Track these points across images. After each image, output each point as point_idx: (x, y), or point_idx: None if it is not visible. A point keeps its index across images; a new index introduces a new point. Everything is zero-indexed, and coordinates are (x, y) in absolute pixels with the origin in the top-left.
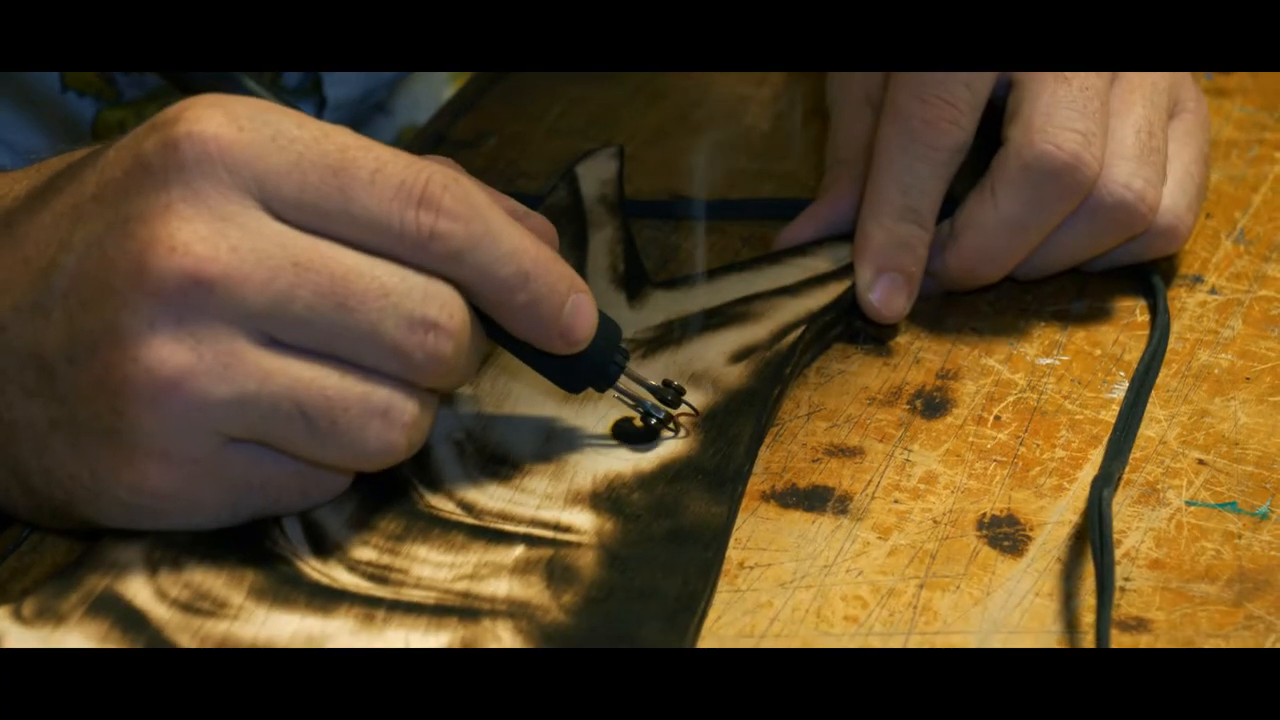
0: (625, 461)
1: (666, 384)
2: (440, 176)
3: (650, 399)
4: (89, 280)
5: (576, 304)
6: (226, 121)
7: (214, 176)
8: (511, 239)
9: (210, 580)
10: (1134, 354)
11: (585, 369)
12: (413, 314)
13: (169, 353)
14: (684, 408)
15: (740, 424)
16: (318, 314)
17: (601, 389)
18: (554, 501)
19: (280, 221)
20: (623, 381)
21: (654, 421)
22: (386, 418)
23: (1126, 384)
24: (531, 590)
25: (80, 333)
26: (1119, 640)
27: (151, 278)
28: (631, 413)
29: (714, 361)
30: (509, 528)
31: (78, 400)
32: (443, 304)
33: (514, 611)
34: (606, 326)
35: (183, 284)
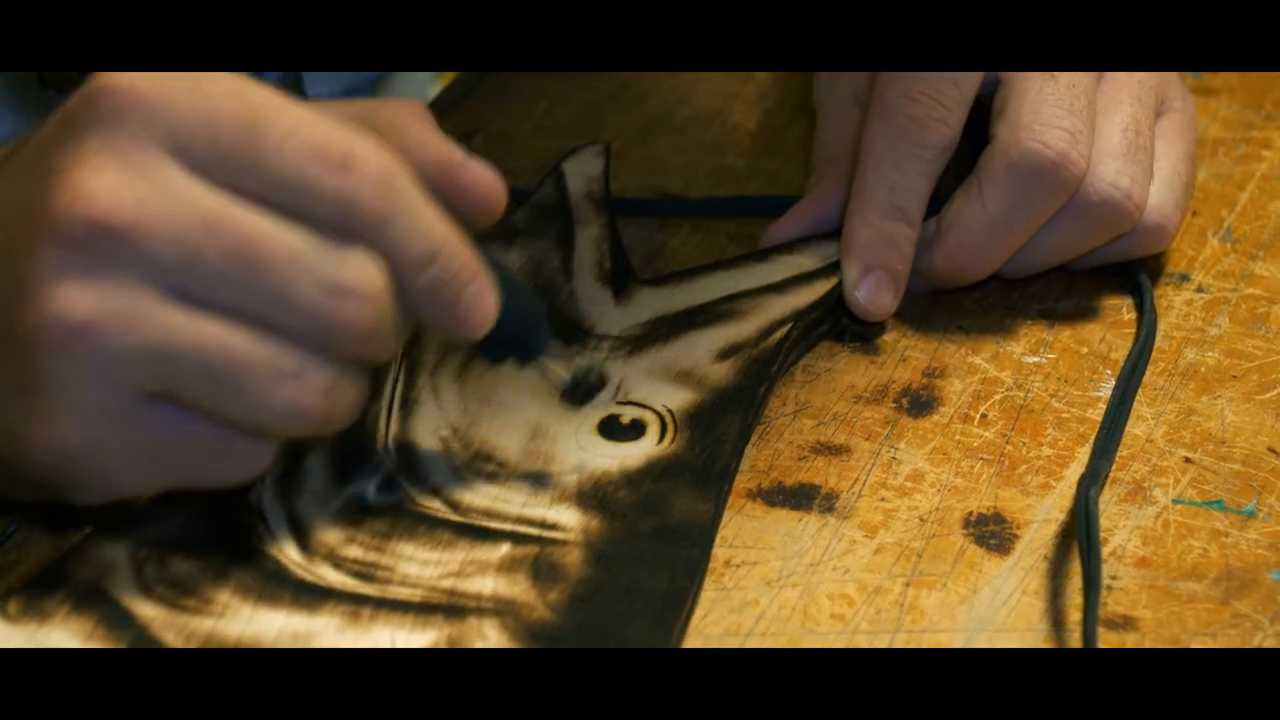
0: (611, 459)
1: (594, 370)
2: (363, 144)
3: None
4: (8, 234)
5: (478, 291)
6: (144, 76)
7: (127, 128)
8: (426, 216)
9: (195, 578)
10: (1121, 352)
11: (513, 339)
12: (326, 279)
13: (74, 299)
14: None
15: (727, 422)
16: (226, 275)
17: (524, 362)
18: (540, 499)
19: (194, 178)
20: (546, 364)
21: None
22: (299, 381)
23: (1113, 382)
24: (517, 588)
25: (0, 288)
26: (1106, 639)
27: (58, 225)
28: (619, 410)
29: (700, 359)
30: (495, 525)
31: None
32: (359, 270)
33: (500, 609)
34: (521, 311)
35: (88, 231)
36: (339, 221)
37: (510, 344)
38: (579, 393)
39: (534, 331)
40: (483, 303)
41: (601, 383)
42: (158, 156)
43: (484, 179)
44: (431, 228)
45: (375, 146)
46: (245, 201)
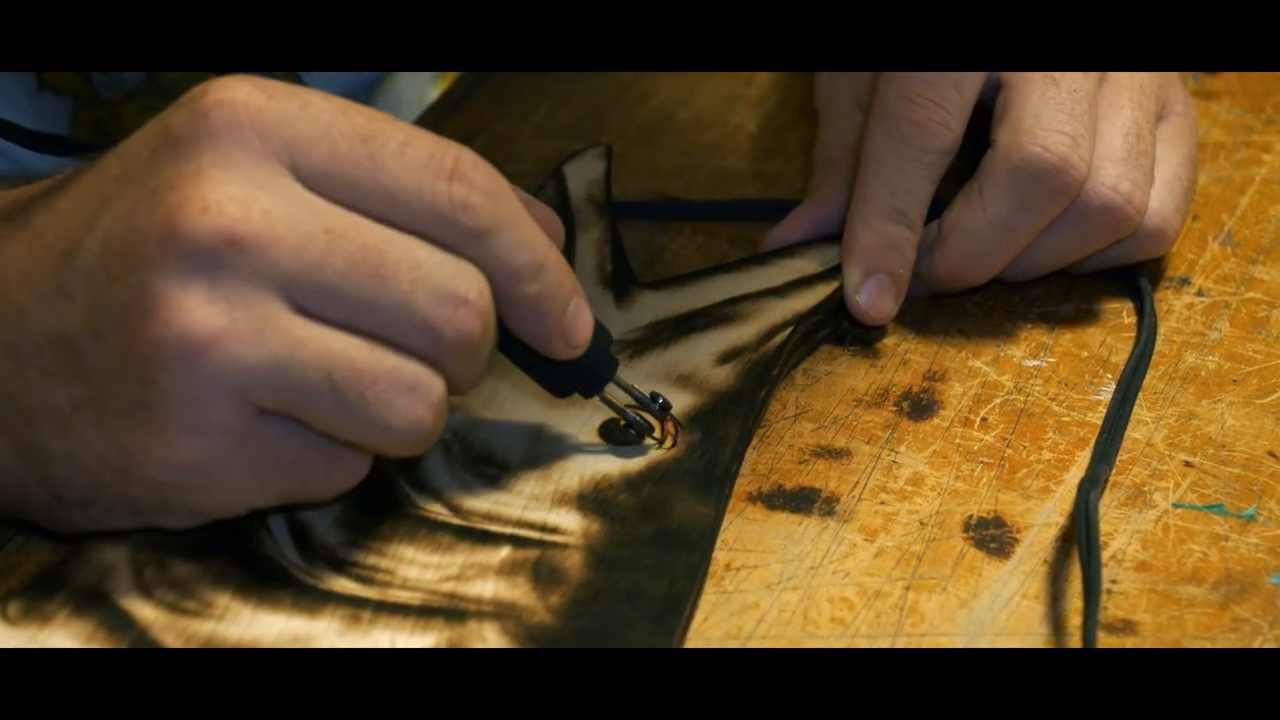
0: (612, 463)
1: (653, 396)
2: (470, 154)
3: (634, 410)
4: (116, 253)
5: (578, 307)
6: (255, 90)
7: (244, 143)
8: (531, 227)
9: (196, 580)
10: (1121, 356)
11: (575, 374)
12: (443, 288)
13: (202, 315)
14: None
15: (727, 425)
16: (350, 282)
17: (588, 395)
18: (540, 502)
19: (310, 191)
20: (609, 390)
21: (634, 432)
22: (414, 393)
23: (1113, 386)
24: (518, 591)
25: (107, 306)
26: (1105, 642)
27: (184, 238)
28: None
29: (701, 363)
30: (495, 528)
31: (104, 376)
32: (471, 280)
33: (500, 613)
34: (599, 333)
35: (216, 244)
36: (452, 231)
37: (578, 375)
38: (642, 425)
39: (602, 363)
40: (584, 319)
41: (667, 406)
42: (276, 170)
43: (547, 217)
44: (536, 240)
45: (479, 158)
46: (361, 214)
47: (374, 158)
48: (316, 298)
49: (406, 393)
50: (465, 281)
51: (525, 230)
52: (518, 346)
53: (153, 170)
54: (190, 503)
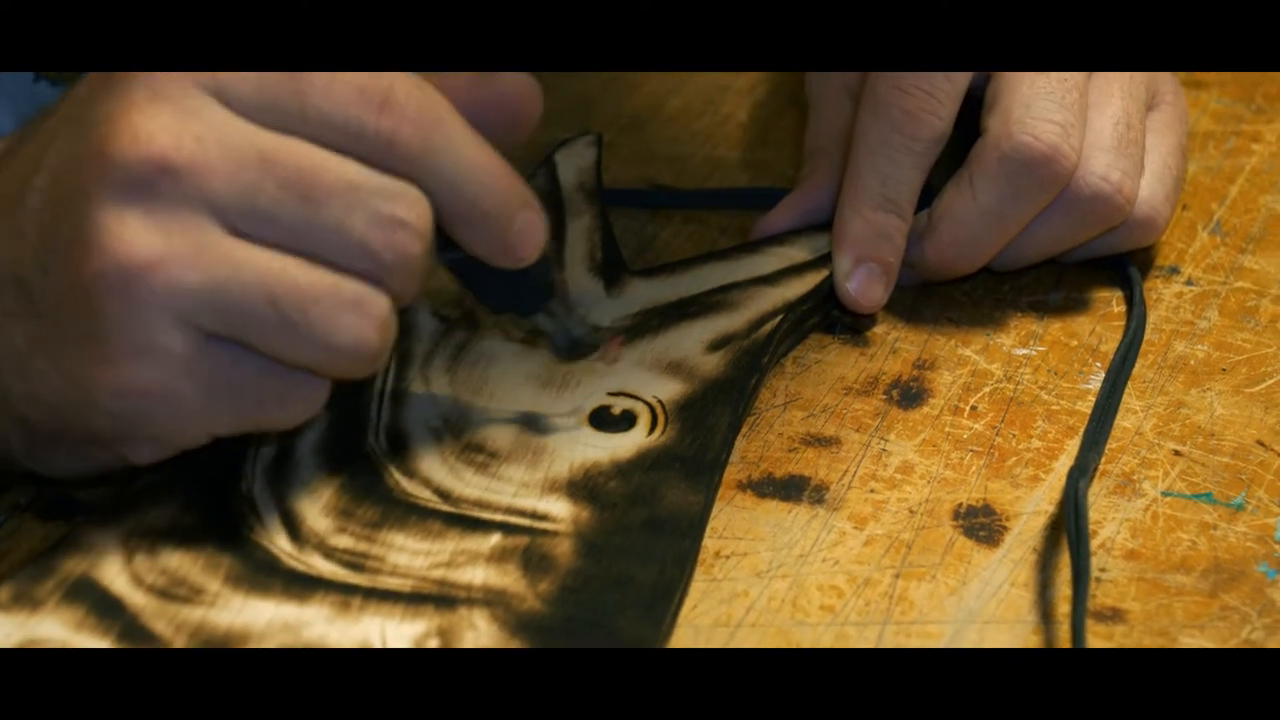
0: (602, 450)
1: (593, 329)
2: (404, 83)
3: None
4: (58, 189)
5: (526, 222)
6: None
7: (174, 78)
8: (470, 150)
9: (186, 566)
10: (1110, 345)
11: (512, 293)
12: (380, 211)
13: (140, 241)
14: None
15: (717, 413)
16: (284, 207)
17: (525, 315)
18: (531, 490)
19: (244, 119)
20: (545, 318)
21: (568, 351)
22: (359, 310)
23: (1103, 375)
24: (508, 578)
25: (52, 240)
26: (1094, 630)
27: (116, 167)
28: (610, 400)
29: (691, 350)
30: (485, 515)
31: (53, 310)
32: (410, 203)
33: (490, 600)
34: (540, 261)
35: (148, 171)
36: (386, 159)
37: (515, 295)
38: (574, 350)
39: (541, 285)
40: (533, 231)
41: (595, 345)
42: (207, 100)
43: (515, 83)
44: (476, 159)
45: (415, 83)
46: (297, 138)
47: (301, 93)
48: (252, 221)
49: (350, 309)
50: (404, 204)
51: (464, 152)
52: (461, 256)
53: (89, 107)
54: (149, 431)
